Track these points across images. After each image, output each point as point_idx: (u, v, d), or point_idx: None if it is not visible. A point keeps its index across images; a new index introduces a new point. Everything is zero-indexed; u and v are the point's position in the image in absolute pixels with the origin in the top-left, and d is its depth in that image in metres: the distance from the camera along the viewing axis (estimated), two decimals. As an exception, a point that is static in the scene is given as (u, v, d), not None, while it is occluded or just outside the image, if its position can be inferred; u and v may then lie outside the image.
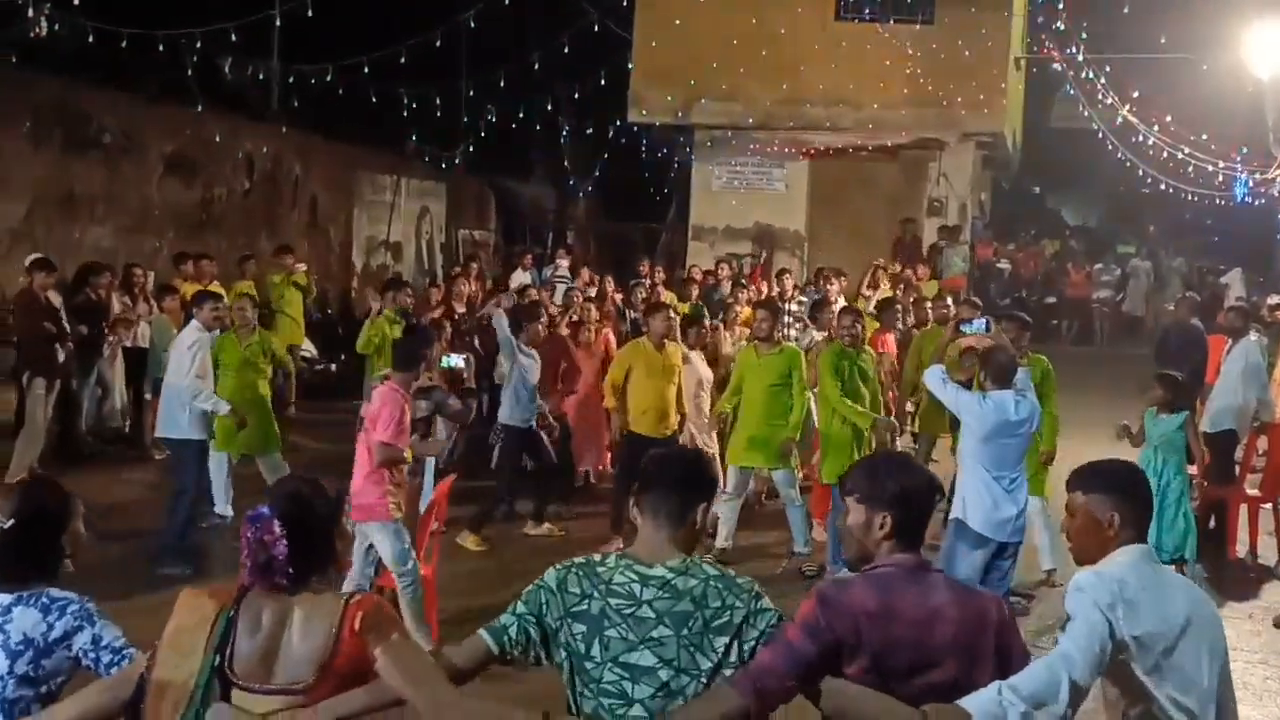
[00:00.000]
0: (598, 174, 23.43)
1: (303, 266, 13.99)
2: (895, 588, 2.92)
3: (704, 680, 2.88)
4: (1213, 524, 9.50)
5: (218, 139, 15.37)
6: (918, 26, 18.92)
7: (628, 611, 2.91)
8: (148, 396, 11.69)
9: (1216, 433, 9.58)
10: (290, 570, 2.94)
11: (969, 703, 2.79)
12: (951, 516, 6.46)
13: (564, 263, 17.60)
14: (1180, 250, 23.26)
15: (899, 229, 19.63)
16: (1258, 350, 9.91)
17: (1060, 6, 18.20)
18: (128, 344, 11.50)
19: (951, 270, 19.82)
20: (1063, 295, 21.54)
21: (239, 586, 2.99)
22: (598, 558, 3.04)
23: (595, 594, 2.94)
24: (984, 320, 7.23)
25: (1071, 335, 20.93)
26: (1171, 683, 3.04)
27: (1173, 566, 8.15)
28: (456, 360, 8.70)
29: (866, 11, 19.02)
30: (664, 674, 2.88)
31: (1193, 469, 10.14)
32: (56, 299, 10.36)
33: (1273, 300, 14.64)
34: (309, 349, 14.92)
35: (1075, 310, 21.28)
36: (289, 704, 2.88)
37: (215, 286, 12.33)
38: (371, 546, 6.47)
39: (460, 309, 12.25)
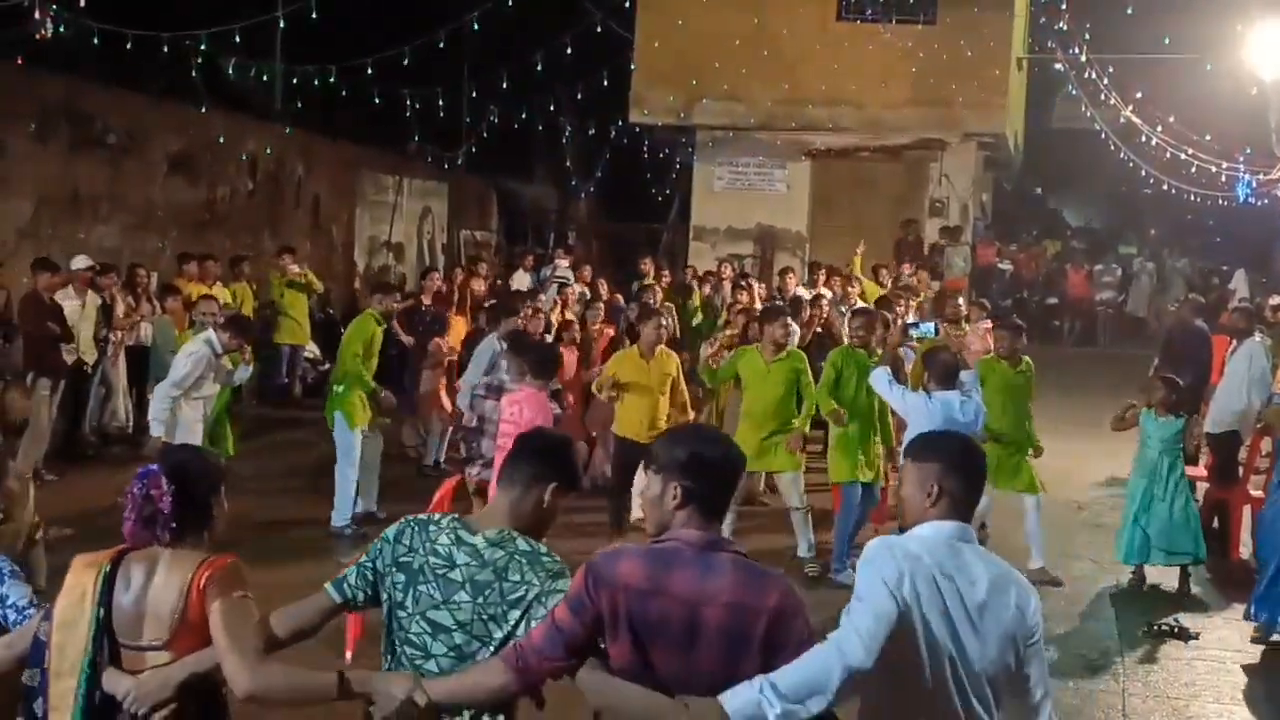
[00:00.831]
0: (599, 174, 23.45)
1: (295, 267, 13.90)
2: (672, 564, 2.81)
3: (494, 648, 2.98)
4: (1216, 525, 9.53)
5: (221, 139, 15.39)
6: (919, 27, 18.92)
7: (440, 571, 3.05)
8: (150, 397, 11.72)
9: (1220, 433, 9.59)
10: (173, 525, 3.15)
11: (728, 699, 2.68)
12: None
13: (563, 263, 17.58)
14: (1183, 251, 23.24)
15: (901, 229, 19.64)
16: (1263, 352, 9.90)
17: (1063, 7, 18.21)
18: (130, 343, 11.53)
19: (952, 271, 19.83)
20: (1065, 296, 21.52)
21: (118, 549, 3.21)
22: (436, 516, 3.19)
23: (420, 550, 3.08)
24: (932, 324, 7.24)
25: (1074, 336, 20.93)
26: (951, 665, 2.90)
27: (1179, 570, 8.18)
28: None
29: (868, 12, 19.04)
30: (458, 636, 3.02)
31: (1195, 470, 10.19)
32: (97, 299, 10.47)
33: (1275, 301, 14.64)
34: (312, 349, 14.94)
35: (1077, 311, 21.27)
36: (154, 661, 3.09)
37: (218, 288, 12.36)
38: None
39: (427, 301, 12.38)
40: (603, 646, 2.87)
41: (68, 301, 10.24)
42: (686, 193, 21.00)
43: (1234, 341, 10.16)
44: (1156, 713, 6.28)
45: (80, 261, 10.65)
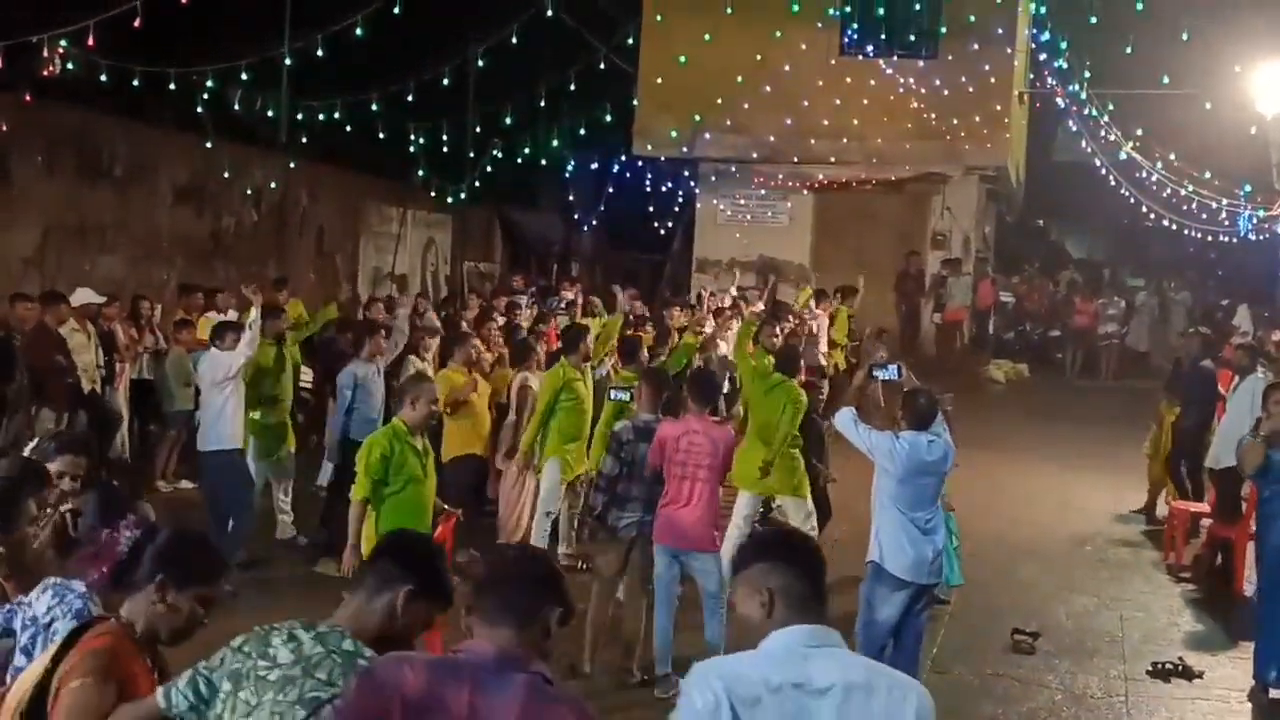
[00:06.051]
0: (603, 206, 23.53)
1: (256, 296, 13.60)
2: (452, 679, 2.60)
3: None
4: (1219, 561, 9.51)
5: (227, 172, 15.49)
6: (921, 62, 19.06)
7: (261, 674, 2.84)
8: (151, 427, 11.73)
9: (1222, 469, 9.57)
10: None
11: None
12: (869, 560, 6.37)
13: (569, 294, 17.54)
14: (1184, 285, 23.24)
15: (903, 262, 19.72)
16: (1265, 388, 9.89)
17: (1063, 45, 18.37)
18: (134, 376, 11.53)
19: (953, 303, 19.89)
20: (1068, 328, 21.55)
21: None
22: (280, 624, 2.99)
23: (251, 654, 2.87)
24: (897, 366, 7.14)
25: (1076, 369, 20.92)
26: None
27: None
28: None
29: (870, 47, 19.17)
30: None
31: (1199, 506, 10.19)
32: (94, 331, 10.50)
33: (1278, 336, 14.66)
34: (306, 377, 14.88)
35: (1080, 343, 21.28)
36: None
37: (216, 320, 12.35)
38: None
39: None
40: None
41: (71, 336, 10.27)
42: (690, 225, 21.08)
43: (1236, 377, 10.17)
44: (1161, 752, 6.27)
45: (82, 296, 10.68)
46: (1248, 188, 17.84)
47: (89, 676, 2.97)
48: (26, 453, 4.84)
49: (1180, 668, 7.34)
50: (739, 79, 18.61)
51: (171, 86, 13.50)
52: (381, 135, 17.46)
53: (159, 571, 3.08)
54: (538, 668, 2.64)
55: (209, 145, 15.16)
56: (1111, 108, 18.86)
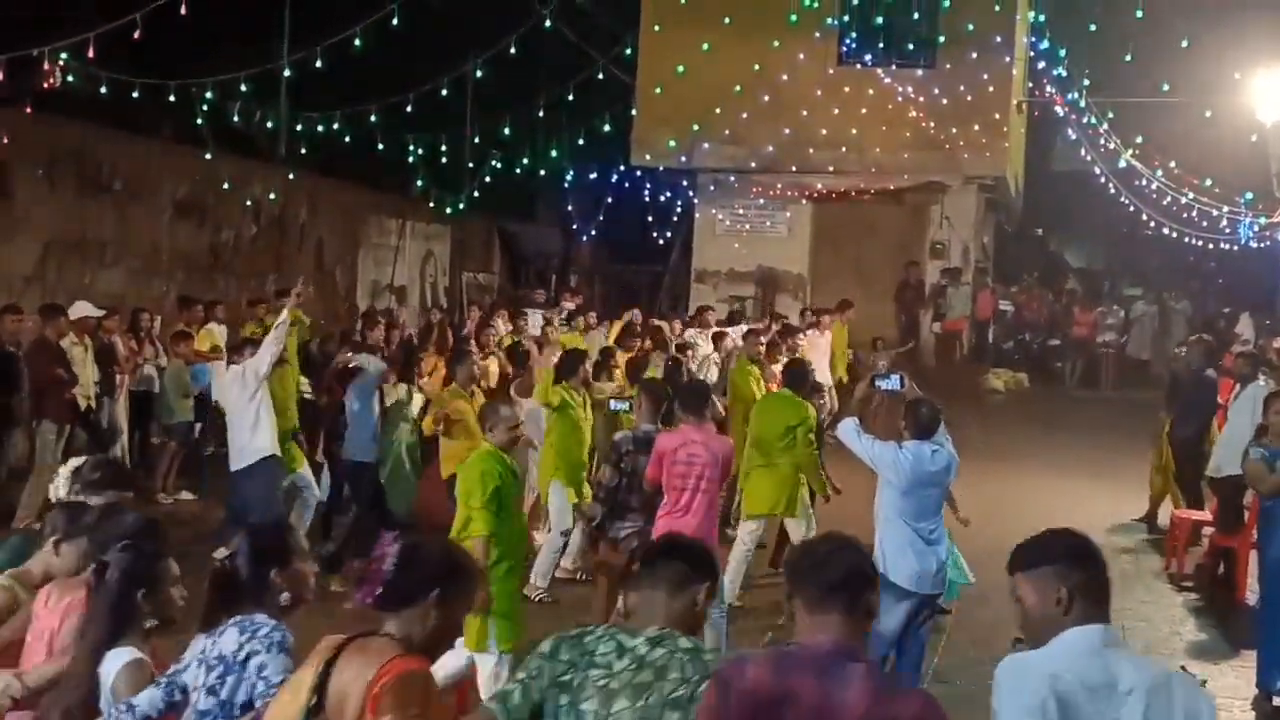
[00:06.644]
0: (602, 217, 23.55)
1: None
2: (797, 672, 2.69)
3: None
4: (1221, 570, 9.48)
5: (226, 184, 15.49)
6: (919, 71, 19.10)
7: (601, 683, 2.92)
8: (152, 439, 11.72)
9: (1223, 478, 9.55)
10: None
11: None
12: None
13: (570, 305, 17.59)
14: (1185, 294, 23.20)
15: (902, 272, 19.75)
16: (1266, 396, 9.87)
17: (1062, 53, 18.39)
18: (133, 388, 11.53)
19: (953, 312, 19.91)
20: (1067, 337, 21.53)
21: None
22: (590, 626, 3.08)
23: (579, 664, 2.96)
24: (899, 376, 7.07)
25: (1076, 378, 20.91)
26: None
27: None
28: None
29: (868, 56, 19.20)
30: None
31: (1201, 514, 10.17)
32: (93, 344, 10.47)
33: (1278, 343, 14.64)
34: (305, 388, 14.86)
35: (1080, 352, 21.27)
36: None
37: (215, 332, 12.34)
38: None
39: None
40: None
41: (70, 349, 10.26)
42: (689, 235, 21.10)
43: (1237, 386, 10.15)
44: (1164, 762, 6.22)
45: (79, 309, 10.64)
46: (1248, 195, 17.84)
47: (417, 707, 2.85)
48: (63, 494, 4.49)
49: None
50: (737, 89, 18.65)
51: (171, 99, 13.50)
52: (380, 147, 17.48)
53: (434, 587, 3.02)
54: (867, 656, 2.76)
55: (208, 158, 15.18)
56: (1111, 116, 18.89)
